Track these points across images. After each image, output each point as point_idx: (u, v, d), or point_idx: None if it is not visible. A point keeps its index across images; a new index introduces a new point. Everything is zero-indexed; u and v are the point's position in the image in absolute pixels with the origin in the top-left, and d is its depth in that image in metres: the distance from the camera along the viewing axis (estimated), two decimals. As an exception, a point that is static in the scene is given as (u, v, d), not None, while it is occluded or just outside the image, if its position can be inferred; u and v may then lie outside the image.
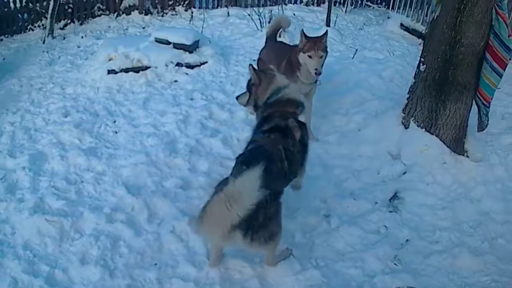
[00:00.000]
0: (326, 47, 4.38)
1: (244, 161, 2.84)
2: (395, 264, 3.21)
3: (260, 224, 2.68)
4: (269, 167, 2.67)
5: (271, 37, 5.22)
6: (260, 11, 8.01)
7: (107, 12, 9.17)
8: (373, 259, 3.21)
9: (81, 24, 8.91)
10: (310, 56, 4.27)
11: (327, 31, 4.54)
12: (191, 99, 5.55)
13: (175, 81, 6.04)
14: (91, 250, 3.28)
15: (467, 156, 4.24)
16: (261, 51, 5.20)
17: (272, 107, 3.24)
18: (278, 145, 3.00)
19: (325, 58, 4.36)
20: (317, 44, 4.29)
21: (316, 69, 4.25)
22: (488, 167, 4.13)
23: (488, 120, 4.25)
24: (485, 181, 3.99)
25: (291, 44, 5.63)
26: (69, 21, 8.82)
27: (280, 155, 2.96)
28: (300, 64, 4.39)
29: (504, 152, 4.35)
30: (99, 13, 9.14)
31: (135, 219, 3.61)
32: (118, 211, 3.66)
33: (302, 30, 4.46)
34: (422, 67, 4.22)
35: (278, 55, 4.80)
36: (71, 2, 8.76)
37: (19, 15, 8.34)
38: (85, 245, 3.31)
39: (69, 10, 8.82)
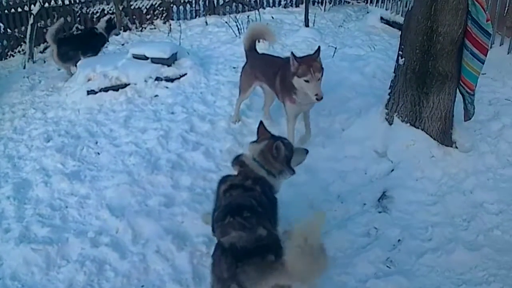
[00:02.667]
0: (322, 66, 3.97)
1: (227, 213, 2.66)
2: (387, 266, 3.10)
3: None
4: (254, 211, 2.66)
5: (251, 49, 4.82)
6: (238, 17, 7.92)
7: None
8: (365, 263, 3.10)
9: (60, 46, 8.79)
10: (307, 81, 3.87)
11: (319, 47, 4.12)
12: (172, 113, 5.46)
13: (156, 95, 5.94)
14: (77, 276, 3.22)
15: (456, 147, 4.15)
16: (243, 68, 4.89)
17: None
18: (246, 197, 2.80)
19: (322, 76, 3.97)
20: (312, 65, 3.88)
21: (317, 94, 3.84)
22: (478, 157, 4.05)
23: (474, 108, 4.16)
24: (476, 171, 3.91)
25: (277, 56, 4.97)
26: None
27: (253, 203, 2.75)
28: (295, 88, 4.03)
29: (493, 139, 4.27)
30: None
31: (120, 241, 3.52)
32: (102, 234, 3.59)
33: (292, 53, 4.02)
34: (401, 61, 4.13)
35: (267, 71, 4.51)
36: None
37: (-1, 42, 8.29)
38: (72, 271, 3.25)
39: (48, 33, 8.71)
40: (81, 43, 7.13)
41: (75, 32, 8.74)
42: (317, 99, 3.87)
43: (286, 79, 4.11)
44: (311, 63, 3.89)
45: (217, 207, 2.94)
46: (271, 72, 4.41)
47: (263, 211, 2.73)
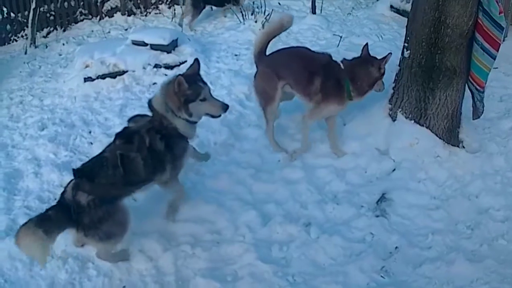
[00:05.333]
0: None
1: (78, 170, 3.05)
2: (381, 276, 2.94)
3: (88, 225, 2.92)
4: (94, 175, 2.98)
5: (262, 52, 4.17)
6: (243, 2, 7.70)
7: (90, 16, 8.89)
8: (357, 272, 2.94)
9: (64, 30, 8.67)
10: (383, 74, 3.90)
11: (367, 43, 4.06)
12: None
13: (154, 83, 5.77)
14: (59, 274, 3.16)
15: (463, 147, 3.96)
16: (256, 75, 4.22)
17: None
18: (117, 151, 3.07)
19: None
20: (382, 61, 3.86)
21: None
22: (486, 158, 3.85)
23: (483, 106, 3.93)
24: (483, 174, 3.72)
25: (312, 51, 4.34)
26: (51, 28, 8.60)
27: (115, 162, 3.02)
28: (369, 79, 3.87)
29: (503, 139, 4.05)
30: (81, 18, 8.85)
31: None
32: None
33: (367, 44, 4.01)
34: (406, 53, 3.92)
35: (299, 70, 4.00)
36: (52, 9, 8.52)
37: (2, 26, 8.17)
38: (54, 268, 3.19)
39: (51, 17, 8.58)
40: None
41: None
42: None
43: (332, 80, 3.86)
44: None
45: None
46: (306, 71, 3.95)
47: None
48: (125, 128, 3.26)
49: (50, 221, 2.86)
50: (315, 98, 3.93)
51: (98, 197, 2.94)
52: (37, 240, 2.76)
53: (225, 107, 3.26)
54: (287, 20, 4.18)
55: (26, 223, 2.86)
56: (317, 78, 3.89)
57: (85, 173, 3.00)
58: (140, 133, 3.12)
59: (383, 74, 3.89)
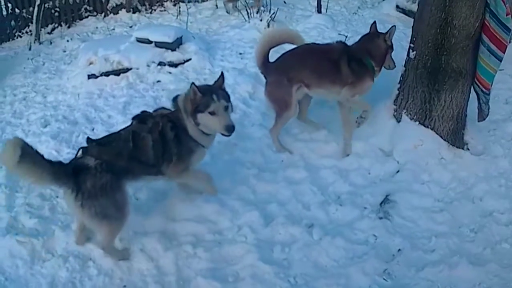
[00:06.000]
0: None
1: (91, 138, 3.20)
2: (384, 279, 2.91)
3: (89, 190, 2.94)
4: (105, 143, 3.14)
5: (266, 61, 4.18)
6: (248, 1, 7.64)
7: (94, 13, 8.88)
8: (359, 275, 2.91)
9: (68, 27, 8.65)
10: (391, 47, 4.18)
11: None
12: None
13: (158, 81, 5.77)
14: (60, 272, 3.15)
15: (468, 149, 3.93)
16: (270, 83, 4.17)
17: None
18: (131, 129, 3.23)
19: None
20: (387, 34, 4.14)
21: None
22: (491, 160, 3.83)
23: (489, 109, 3.91)
24: (488, 177, 3.69)
25: (317, 44, 4.60)
26: (56, 25, 8.58)
27: (127, 137, 3.16)
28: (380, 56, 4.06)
29: (508, 141, 4.04)
30: (86, 14, 8.85)
31: (105, 236, 3.40)
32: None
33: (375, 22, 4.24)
34: (412, 54, 3.89)
35: (319, 64, 4.03)
36: (57, 5, 8.52)
37: (6, 22, 8.16)
38: (55, 267, 3.18)
39: (56, 13, 8.57)
40: None
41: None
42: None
43: (356, 61, 4.00)
44: None
45: None
46: (328, 62, 4.01)
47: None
48: (143, 111, 3.42)
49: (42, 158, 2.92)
50: (349, 82, 3.99)
51: (105, 162, 3.01)
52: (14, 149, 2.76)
53: (230, 128, 3.24)
54: (291, 35, 4.32)
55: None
56: (343, 64, 3.98)
57: (96, 141, 3.15)
58: (155, 118, 3.27)
59: (391, 46, 4.10)
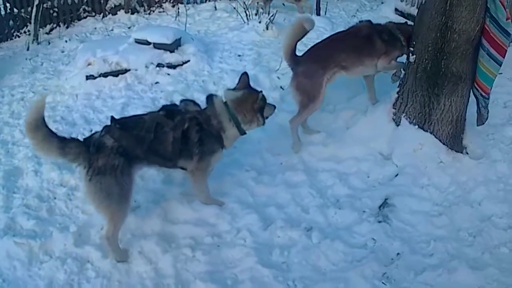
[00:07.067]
0: None
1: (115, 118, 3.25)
2: (383, 283, 2.89)
3: (99, 168, 3.02)
4: (128, 128, 3.17)
5: (294, 53, 4.22)
6: (247, 3, 7.65)
7: (93, 14, 8.86)
8: (358, 279, 2.90)
9: (67, 27, 8.63)
10: None
11: None
12: (171, 101, 5.24)
13: (156, 82, 5.76)
14: (58, 274, 3.14)
15: (466, 153, 3.93)
16: (299, 73, 4.19)
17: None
18: (156, 119, 3.26)
19: None
20: None
21: None
22: (490, 164, 3.81)
23: (488, 113, 3.90)
24: (487, 181, 3.68)
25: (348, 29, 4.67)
26: (54, 25, 8.55)
27: (150, 126, 3.20)
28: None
29: (507, 145, 4.02)
30: (84, 15, 8.82)
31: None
32: (87, 230, 3.47)
33: None
34: (411, 58, 3.88)
35: (358, 46, 4.26)
36: (56, 6, 8.49)
37: (5, 22, 8.13)
38: (53, 269, 3.18)
39: (54, 14, 8.54)
40: None
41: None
42: None
43: (387, 34, 4.27)
44: None
45: None
46: (362, 39, 4.28)
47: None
48: (173, 105, 3.48)
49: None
50: (383, 52, 4.26)
51: (122, 147, 3.08)
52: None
53: (274, 107, 3.70)
54: (307, 23, 4.20)
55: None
56: (375, 37, 4.25)
57: (120, 123, 3.19)
58: (183, 116, 3.30)
59: None
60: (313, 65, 4.15)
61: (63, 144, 3.03)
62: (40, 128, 2.98)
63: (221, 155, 3.54)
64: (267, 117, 3.58)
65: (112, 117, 3.20)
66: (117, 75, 5.84)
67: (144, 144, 3.17)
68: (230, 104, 3.41)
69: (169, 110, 3.36)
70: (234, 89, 3.57)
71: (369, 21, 4.47)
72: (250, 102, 3.40)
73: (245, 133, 3.52)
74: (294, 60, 4.22)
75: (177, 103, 3.55)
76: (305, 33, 4.21)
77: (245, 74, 3.60)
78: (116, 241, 3.19)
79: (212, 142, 3.37)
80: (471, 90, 3.82)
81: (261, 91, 3.44)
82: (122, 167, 3.07)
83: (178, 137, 3.24)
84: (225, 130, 3.39)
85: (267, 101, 3.58)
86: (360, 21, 4.56)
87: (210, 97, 3.47)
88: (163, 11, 8.90)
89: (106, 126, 3.17)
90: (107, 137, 3.10)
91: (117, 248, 3.20)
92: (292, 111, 4.51)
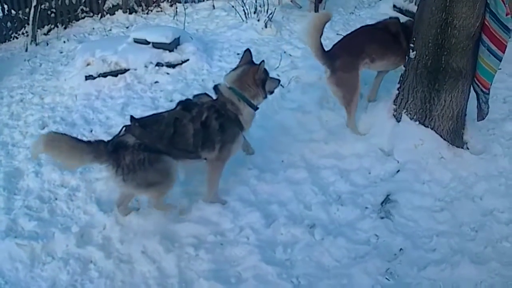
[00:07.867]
0: None
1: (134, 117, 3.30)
2: (386, 278, 2.91)
3: (128, 165, 3.11)
4: (147, 125, 3.23)
5: (322, 50, 4.04)
6: (245, 2, 7.62)
7: (91, 14, 8.83)
8: (362, 274, 2.91)
9: (65, 28, 8.59)
10: None
11: None
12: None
13: (156, 82, 5.75)
14: (61, 275, 3.15)
15: (467, 148, 3.94)
16: (337, 70, 4.09)
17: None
18: (174, 115, 3.33)
19: None
20: None
21: None
22: (491, 159, 3.83)
23: (488, 108, 3.91)
24: (488, 176, 3.69)
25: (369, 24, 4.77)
26: (52, 26, 8.51)
27: (169, 121, 3.27)
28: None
29: (507, 140, 4.03)
30: (82, 15, 8.78)
31: (106, 238, 3.41)
32: (89, 230, 3.47)
33: None
34: (412, 54, 3.88)
35: (382, 40, 4.24)
36: (53, 6, 8.46)
37: (2, 23, 8.11)
38: (55, 270, 3.18)
39: (52, 14, 8.51)
40: None
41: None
42: None
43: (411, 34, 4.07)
44: None
45: None
46: (389, 37, 4.25)
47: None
48: (188, 99, 3.52)
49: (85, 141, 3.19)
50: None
51: (144, 144, 3.14)
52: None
53: (279, 81, 3.74)
54: (327, 14, 4.15)
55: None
56: (402, 38, 4.20)
57: (139, 121, 3.25)
58: (200, 107, 3.36)
59: None
60: (349, 58, 4.08)
61: (93, 148, 3.10)
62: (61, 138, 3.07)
63: (241, 142, 3.61)
64: (272, 92, 3.60)
65: (131, 116, 3.26)
66: (116, 75, 5.82)
67: (165, 139, 3.22)
68: (233, 86, 3.42)
69: (186, 104, 3.42)
70: (233, 69, 3.57)
71: (397, 18, 4.44)
72: (251, 75, 3.40)
73: (257, 108, 3.53)
74: (326, 56, 4.05)
75: (191, 97, 3.60)
76: (325, 23, 4.08)
77: (247, 50, 3.61)
78: (162, 203, 3.49)
79: (232, 127, 3.42)
80: (471, 86, 3.82)
81: (262, 61, 3.41)
82: (149, 158, 3.15)
83: (198, 128, 3.29)
84: (241, 111, 3.42)
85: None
86: (390, 17, 4.56)
87: (216, 87, 3.50)
88: (161, 11, 8.86)
89: (125, 126, 3.23)
90: (128, 136, 3.16)
91: (164, 206, 3.50)
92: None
